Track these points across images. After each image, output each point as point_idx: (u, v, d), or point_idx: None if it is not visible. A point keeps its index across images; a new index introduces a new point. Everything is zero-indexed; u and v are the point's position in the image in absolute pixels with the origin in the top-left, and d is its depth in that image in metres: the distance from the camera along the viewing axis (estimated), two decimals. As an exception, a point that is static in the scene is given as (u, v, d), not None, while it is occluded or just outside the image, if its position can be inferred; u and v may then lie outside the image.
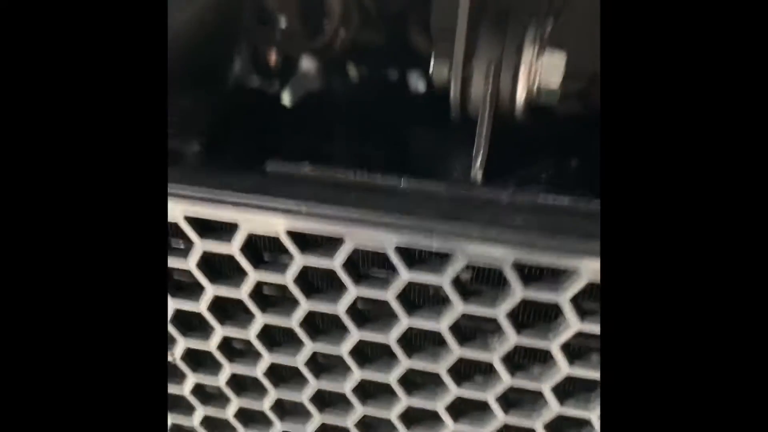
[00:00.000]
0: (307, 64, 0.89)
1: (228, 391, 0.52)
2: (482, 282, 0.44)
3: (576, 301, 0.40)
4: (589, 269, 0.37)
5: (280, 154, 0.45)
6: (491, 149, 0.42)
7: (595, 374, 0.42)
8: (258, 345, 0.48)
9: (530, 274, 0.41)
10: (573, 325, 0.40)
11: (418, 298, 0.45)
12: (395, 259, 0.40)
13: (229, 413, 0.53)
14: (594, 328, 0.40)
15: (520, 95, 0.40)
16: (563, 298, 0.39)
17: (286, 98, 0.69)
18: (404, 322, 0.43)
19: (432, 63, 0.41)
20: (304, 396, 0.50)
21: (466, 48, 0.39)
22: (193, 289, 0.47)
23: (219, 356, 0.50)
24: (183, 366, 0.51)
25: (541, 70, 0.39)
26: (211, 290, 0.46)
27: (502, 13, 0.40)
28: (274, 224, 0.41)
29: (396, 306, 0.43)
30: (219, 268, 0.46)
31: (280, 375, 0.51)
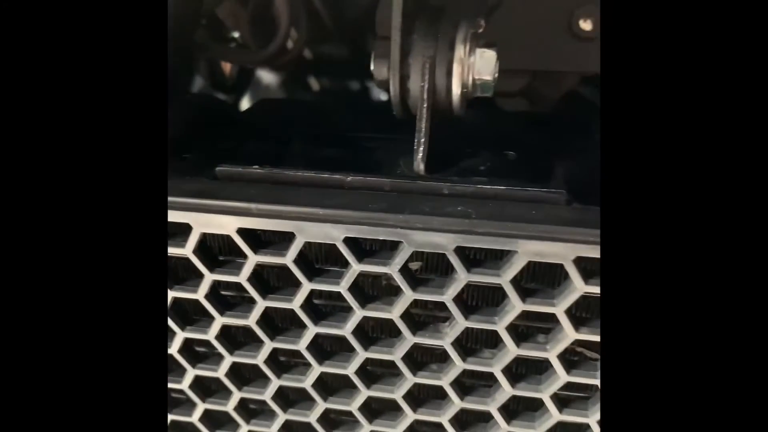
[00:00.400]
0: (262, 74, 0.91)
1: (192, 395, 0.53)
2: (432, 272, 0.45)
3: (517, 282, 0.42)
4: (526, 250, 0.39)
5: (231, 158, 0.46)
6: (436, 143, 0.44)
7: (542, 354, 0.44)
8: (219, 346, 0.49)
9: (475, 259, 0.43)
10: (517, 305, 0.42)
11: (372, 290, 0.47)
12: (345, 251, 0.42)
13: (195, 417, 0.54)
14: (536, 307, 0.42)
15: (456, 90, 0.42)
16: (504, 279, 0.40)
17: (242, 107, 0.71)
18: (358, 313, 0.45)
19: (372, 63, 0.43)
20: (267, 395, 0.51)
21: (402, 47, 0.41)
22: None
23: (181, 360, 0.51)
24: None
25: (474, 66, 0.41)
26: (169, 294, 0.47)
27: (435, 13, 0.42)
28: (226, 224, 0.42)
29: (349, 298, 0.44)
30: (176, 271, 0.47)
31: (242, 376, 0.52)
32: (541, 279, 0.44)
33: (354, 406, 0.50)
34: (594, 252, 0.39)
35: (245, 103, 0.83)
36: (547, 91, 0.67)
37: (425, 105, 0.41)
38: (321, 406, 0.51)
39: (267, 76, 0.88)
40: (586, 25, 0.55)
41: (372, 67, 0.43)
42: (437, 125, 0.44)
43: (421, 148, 0.42)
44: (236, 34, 0.70)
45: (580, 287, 0.40)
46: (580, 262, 0.40)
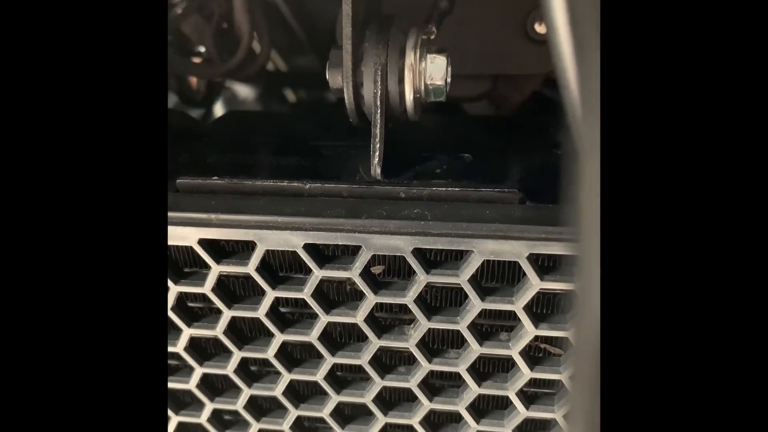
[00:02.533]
0: (237, 87, 0.92)
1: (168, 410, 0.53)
2: (395, 275, 0.46)
3: (476, 281, 0.42)
4: (482, 249, 0.40)
5: (194, 170, 0.47)
6: (394, 148, 0.45)
7: (505, 352, 0.45)
8: (188, 358, 0.50)
9: (436, 260, 0.43)
10: (476, 304, 0.42)
11: (337, 296, 0.47)
12: (306, 258, 0.42)
13: (169, 430, 0.54)
14: (495, 305, 0.42)
15: (408, 96, 0.42)
16: (462, 278, 0.41)
17: (209, 120, 0.71)
18: (323, 319, 0.45)
19: (327, 72, 0.44)
20: (239, 404, 0.51)
21: (354, 55, 0.42)
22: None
23: (152, 373, 0.51)
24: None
25: (426, 71, 0.42)
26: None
27: (386, 22, 0.43)
28: (187, 235, 0.43)
29: (313, 304, 0.45)
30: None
31: (214, 386, 0.53)
32: (501, 278, 0.44)
33: (325, 412, 0.50)
34: (547, 248, 0.40)
35: (211, 115, 0.83)
36: (510, 94, 0.68)
37: (379, 111, 0.42)
38: (293, 413, 0.51)
39: (242, 90, 0.89)
40: (540, 28, 0.56)
41: (327, 76, 0.44)
42: (397, 130, 0.45)
43: (377, 154, 0.43)
44: (202, 49, 0.71)
45: (536, 283, 0.41)
46: (536, 259, 0.41)
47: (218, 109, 0.96)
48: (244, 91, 1.01)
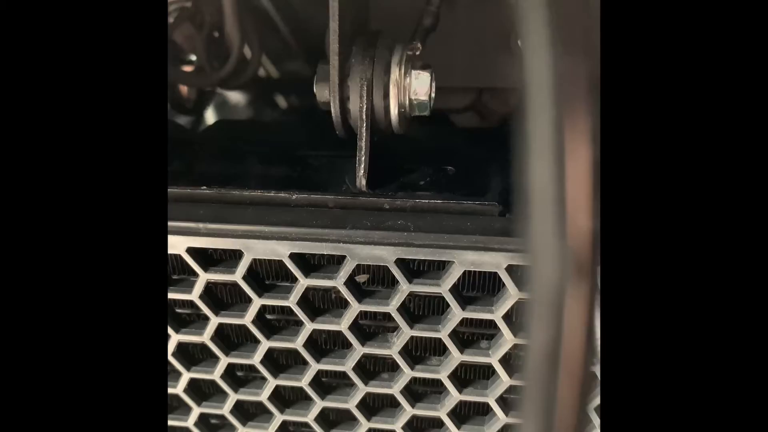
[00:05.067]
0: (229, 94, 0.93)
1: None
2: (379, 284, 0.47)
3: (458, 290, 0.44)
4: (462, 260, 0.41)
5: (184, 179, 0.48)
6: (380, 160, 0.46)
7: (485, 359, 0.46)
8: (176, 363, 0.50)
9: (419, 270, 0.45)
10: (457, 313, 0.43)
11: (322, 303, 0.48)
12: (292, 267, 0.43)
13: (156, 434, 0.55)
14: (475, 314, 0.44)
15: (393, 110, 0.44)
16: (444, 288, 0.42)
17: (200, 127, 0.72)
18: (308, 326, 0.46)
19: (314, 85, 0.45)
20: (226, 409, 0.52)
21: (340, 70, 0.43)
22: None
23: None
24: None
25: (410, 86, 0.44)
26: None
27: (372, 38, 0.44)
28: (176, 244, 0.44)
29: (299, 311, 0.46)
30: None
31: (201, 391, 0.53)
32: (482, 287, 0.46)
33: (310, 417, 0.51)
34: (525, 260, 0.41)
35: (207, 124, 0.84)
36: (495, 106, 0.69)
37: (364, 125, 0.43)
38: (278, 418, 0.52)
39: (233, 95, 0.90)
40: (524, 43, 0.58)
41: (315, 90, 0.45)
42: (383, 142, 0.46)
43: (362, 166, 0.44)
44: (193, 57, 0.72)
45: (514, 294, 0.42)
46: (515, 270, 0.42)
47: (209, 116, 0.97)
48: (235, 97, 1.02)
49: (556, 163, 0.21)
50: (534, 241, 0.22)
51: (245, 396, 0.51)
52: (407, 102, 0.44)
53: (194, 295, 0.46)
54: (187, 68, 0.74)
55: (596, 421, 0.47)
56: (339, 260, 0.44)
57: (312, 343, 0.48)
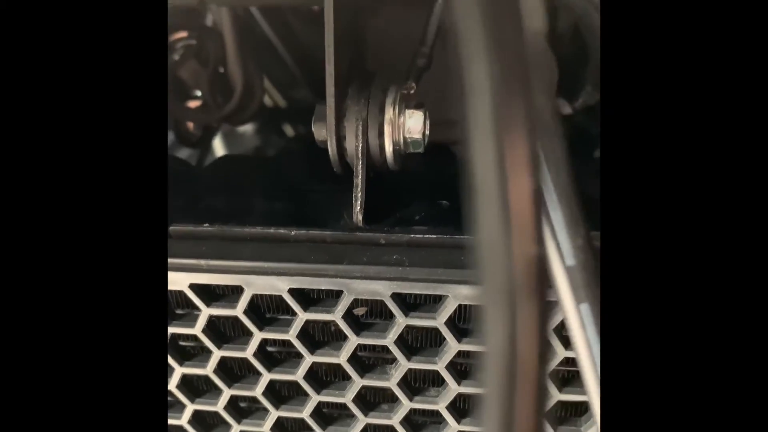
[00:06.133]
0: (225, 131, 0.95)
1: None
2: (377, 316, 0.48)
3: (453, 323, 0.45)
4: (456, 294, 0.42)
5: (187, 215, 0.49)
6: (374, 196, 0.47)
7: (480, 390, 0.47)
8: (180, 395, 0.52)
9: (415, 303, 0.46)
10: (453, 345, 0.44)
11: (322, 336, 0.49)
12: (291, 302, 0.45)
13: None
14: (471, 346, 0.44)
15: (388, 148, 0.45)
16: (439, 321, 0.43)
17: (209, 161, 0.74)
18: (308, 359, 0.47)
19: (313, 125, 0.47)
20: (229, 440, 0.53)
21: (337, 111, 0.44)
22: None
23: (144, 410, 0.53)
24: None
25: (405, 125, 0.45)
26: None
27: (367, 79, 0.46)
28: (178, 280, 0.45)
29: (299, 345, 0.47)
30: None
31: (204, 422, 0.54)
32: (471, 319, 0.46)
33: (311, 447, 0.52)
34: (518, 293, 0.42)
35: (214, 156, 0.86)
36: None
37: (360, 163, 0.45)
38: (279, 449, 0.53)
39: (229, 132, 0.92)
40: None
41: (313, 129, 0.47)
42: (380, 177, 0.47)
43: (359, 202, 0.45)
44: (199, 93, 0.74)
45: (508, 326, 0.43)
46: (509, 303, 0.43)
47: (217, 144, 0.99)
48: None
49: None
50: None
51: (248, 427, 0.52)
52: (402, 140, 0.46)
53: (197, 329, 0.47)
54: (193, 103, 0.76)
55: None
56: (337, 294, 0.45)
57: (312, 375, 0.49)
